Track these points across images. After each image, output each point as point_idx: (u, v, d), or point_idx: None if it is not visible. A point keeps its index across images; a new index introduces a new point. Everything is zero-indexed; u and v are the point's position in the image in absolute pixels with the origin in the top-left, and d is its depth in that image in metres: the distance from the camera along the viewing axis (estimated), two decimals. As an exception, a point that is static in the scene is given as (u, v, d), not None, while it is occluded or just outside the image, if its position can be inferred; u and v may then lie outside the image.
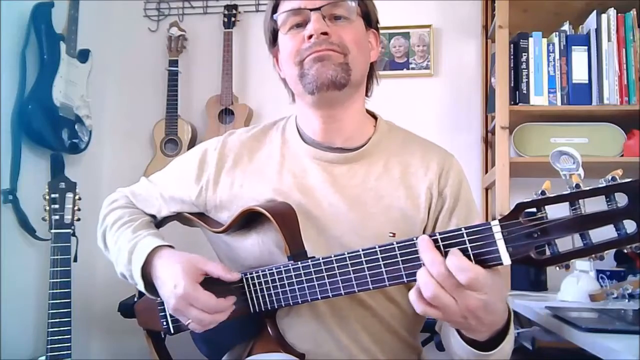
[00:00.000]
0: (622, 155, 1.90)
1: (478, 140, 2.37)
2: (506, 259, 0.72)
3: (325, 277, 0.89)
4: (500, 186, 1.87)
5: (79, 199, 1.84)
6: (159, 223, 1.18)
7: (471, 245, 0.73)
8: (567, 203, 0.69)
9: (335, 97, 1.01)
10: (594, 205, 0.68)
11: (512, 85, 1.97)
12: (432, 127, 2.36)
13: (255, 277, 0.97)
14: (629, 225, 0.66)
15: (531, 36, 1.98)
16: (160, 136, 2.43)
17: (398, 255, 0.80)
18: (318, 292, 0.90)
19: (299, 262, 0.92)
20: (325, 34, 0.98)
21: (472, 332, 0.81)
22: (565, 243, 0.71)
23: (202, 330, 0.95)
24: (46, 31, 2.03)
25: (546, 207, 0.70)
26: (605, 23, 1.93)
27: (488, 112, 2.28)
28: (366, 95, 1.13)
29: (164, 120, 2.43)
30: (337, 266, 0.87)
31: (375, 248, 0.83)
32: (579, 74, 1.95)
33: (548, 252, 0.71)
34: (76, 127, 2.15)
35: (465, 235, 0.74)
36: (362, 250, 0.84)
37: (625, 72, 1.91)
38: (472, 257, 0.73)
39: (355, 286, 0.86)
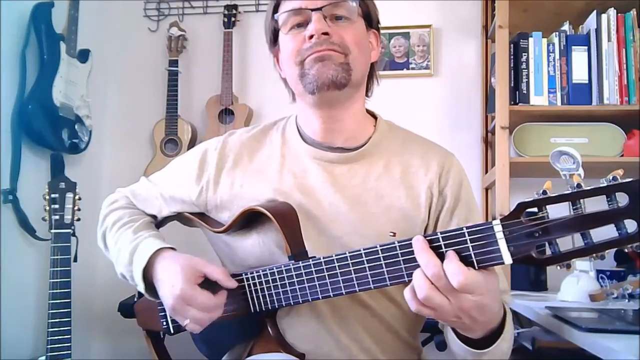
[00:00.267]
0: (622, 155, 1.90)
1: (478, 140, 2.37)
2: (507, 259, 0.72)
3: (326, 276, 0.89)
4: (500, 186, 1.87)
5: (79, 199, 1.84)
6: (159, 223, 1.18)
7: (472, 244, 0.73)
8: (568, 203, 0.69)
9: (335, 97, 1.01)
10: (594, 205, 0.68)
11: (512, 85, 1.97)
12: (432, 127, 2.36)
13: (255, 277, 0.97)
14: (630, 225, 0.66)
15: (531, 36, 1.98)
16: (160, 136, 2.43)
17: (399, 255, 0.80)
18: (319, 292, 0.90)
19: (300, 262, 0.92)
20: (326, 34, 0.98)
21: (466, 331, 0.82)
22: (566, 242, 0.71)
23: (200, 330, 0.95)
24: (46, 31, 2.04)
25: (547, 206, 0.70)
26: (605, 23, 1.93)
27: (488, 112, 2.28)
28: (366, 95, 1.13)
29: (164, 120, 2.43)
30: (338, 266, 0.87)
31: (376, 247, 0.83)
32: (579, 74, 1.95)
33: (549, 252, 0.71)
34: (76, 127, 2.15)
35: (466, 234, 0.74)
36: (364, 249, 0.84)
37: (625, 72, 1.91)
38: (473, 256, 0.74)
39: (356, 286, 0.86)
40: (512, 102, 1.96)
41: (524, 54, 1.97)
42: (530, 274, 1.87)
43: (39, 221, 1.87)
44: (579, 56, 1.96)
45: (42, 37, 2.03)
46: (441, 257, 0.74)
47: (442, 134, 2.27)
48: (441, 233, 0.76)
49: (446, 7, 2.45)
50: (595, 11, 1.96)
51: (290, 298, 0.94)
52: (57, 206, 1.80)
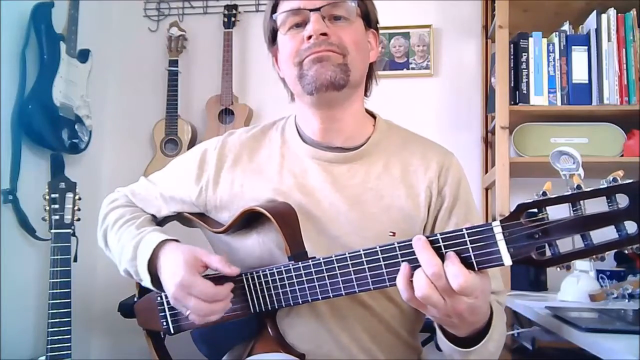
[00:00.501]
0: (622, 155, 1.90)
1: (478, 140, 2.37)
2: (507, 260, 0.72)
3: (326, 277, 0.89)
4: (500, 186, 1.87)
5: (79, 199, 1.84)
6: (158, 223, 1.18)
7: (472, 245, 0.73)
8: (568, 204, 0.69)
9: (334, 97, 1.01)
10: (594, 206, 0.68)
11: (512, 85, 1.97)
12: (432, 127, 2.36)
13: (255, 277, 0.97)
14: (630, 226, 0.66)
15: (531, 36, 1.98)
16: (160, 136, 2.44)
17: (399, 256, 0.80)
18: (318, 292, 0.90)
19: (300, 262, 0.92)
20: (324, 34, 0.98)
21: (452, 328, 0.83)
22: (566, 244, 0.71)
23: (202, 323, 0.94)
24: (46, 31, 2.04)
25: (547, 207, 0.70)
26: (605, 23, 1.93)
27: (488, 112, 2.28)
28: (365, 95, 1.13)
29: (164, 120, 2.43)
30: (338, 266, 0.87)
31: (376, 248, 0.83)
32: (579, 74, 1.95)
33: (549, 253, 0.71)
34: (76, 127, 2.15)
35: (466, 235, 0.74)
36: (363, 250, 0.84)
37: (625, 72, 1.91)
38: (472, 257, 0.74)
39: (356, 286, 0.86)
40: (512, 102, 1.96)
41: (524, 54, 1.97)
42: (530, 274, 1.88)
43: (39, 221, 1.87)
44: (579, 56, 1.96)
45: (42, 37, 2.03)
46: (441, 258, 0.74)
47: (442, 134, 2.27)
48: (441, 234, 0.75)
49: (446, 7, 2.45)
50: (595, 11, 1.96)
51: (290, 298, 0.94)
52: (57, 206, 1.80)
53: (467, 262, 0.74)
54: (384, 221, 1.01)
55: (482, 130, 2.37)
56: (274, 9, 1.05)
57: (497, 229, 0.72)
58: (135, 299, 1.21)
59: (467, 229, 0.74)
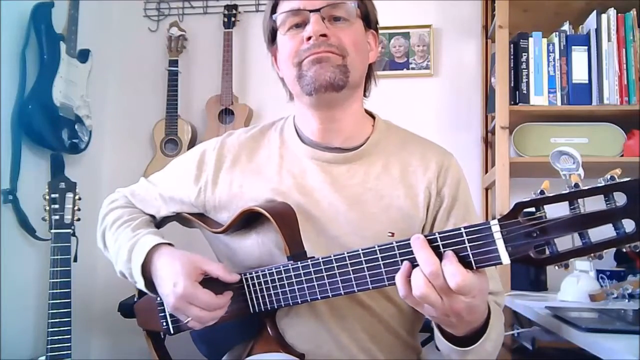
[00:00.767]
0: (622, 155, 1.90)
1: (478, 140, 2.37)
2: (505, 259, 0.72)
3: (325, 277, 0.89)
4: (500, 186, 1.87)
5: (79, 199, 1.84)
6: (158, 223, 1.18)
7: (470, 244, 0.73)
8: (566, 202, 0.69)
9: (333, 98, 1.01)
10: (593, 204, 0.68)
11: (512, 85, 1.97)
12: (432, 127, 2.36)
13: (255, 277, 0.97)
14: (628, 225, 0.66)
15: (531, 36, 1.98)
16: (160, 136, 2.44)
17: (397, 255, 0.80)
18: (318, 292, 0.90)
19: (299, 262, 0.92)
20: (324, 35, 0.98)
21: (449, 327, 0.83)
22: (565, 242, 0.71)
23: (201, 327, 0.95)
24: (46, 31, 2.04)
25: (545, 206, 0.70)
26: (605, 23, 1.93)
27: (488, 112, 2.28)
28: (364, 95, 1.13)
29: (164, 120, 2.43)
30: (337, 266, 0.87)
31: (374, 248, 0.83)
32: (579, 74, 1.95)
33: (547, 252, 0.71)
34: (76, 127, 2.15)
35: (464, 234, 0.74)
36: (362, 250, 0.84)
37: (625, 72, 1.91)
38: (471, 256, 0.73)
39: (354, 286, 0.86)
40: (512, 102, 1.96)
41: (524, 54, 1.97)
42: (530, 274, 1.88)
43: (39, 221, 1.87)
44: (579, 56, 1.95)
45: (42, 37, 2.03)
46: (439, 257, 0.74)
47: (442, 134, 2.27)
48: (439, 233, 0.75)
49: (446, 7, 2.45)
50: (595, 11, 1.96)
51: (290, 298, 0.94)
52: (57, 206, 1.80)
53: (465, 261, 0.74)
54: (383, 221, 1.01)
55: (482, 130, 2.37)
56: (273, 9, 1.05)
57: (495, 228, 0.72)
58: (135, 299, 1.21)
59: (465, 228, 0.74)
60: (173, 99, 2.43)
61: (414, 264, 0.76)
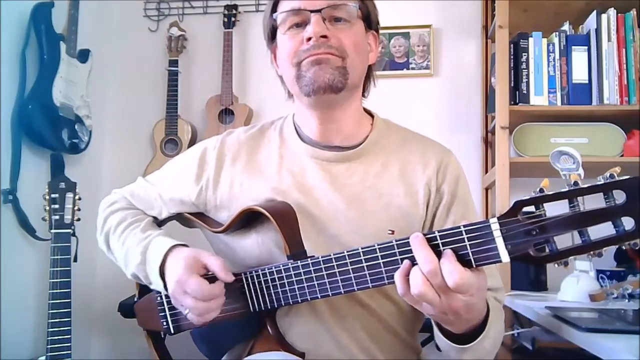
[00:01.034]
0: (622, 155, 1.90)
1: (478, 140, 2.37)
2: (505, 257, 0.72)
3: (325, 276, 0.89)
4: (500, 186, 1.87)
5: (79, 199, 1.84)
6: (159, 223, 1.18)
7: (470, 243, 0.73)
8: (566, 201, 0.69)
9: (332, 99, 1.01)
10: (592, 202, 0.68)
11: (512, 85, 1.97)
12: (432, 127, 2.36)
13: (255, 277, 0.97)
14: (627, 222, 0.66)
15: (531, 36, 1.98)
16: (160, 136, 2.44)
17: (397, 254, 0.80)
18: (318, 291, 0.90)
19: (299, 262, 0.92)
20: (324, 37, 0.98)
21: (448, 324, 0.83)
22: (564, 240, 0.71)
23: (202, 322, 0.94)
24: (46, 31, 2.04)
25: (545, 204, 0.70)
26: (605, 23, 1.93)
27: (488, 112, 2.28)
28: (362, 96, 1.13)
29: (164, 120, 2.44)
30: (337, 265, 0.87)
31: (374, 246, 0.83)
32: (579, 74, 1.95)
33: (547, 250, 0.71)
34: (76, 127, 2.15)
35: (464, 232, 0.74)
36: (362, 248, 0.84)
37: (625, 72, 1.91)
38: (470, 254, 0.73)
39: (354, 285, 0.86)
40: (512, 102, 1.96)
41: (524, 54, 1.97)
42: (530, 274, 1.87)
43: (39, 221, 1.87)
44: (579, 56, 1.95)
45: (42, 37, 2.03)
46: (439, 255, 0.74)
47: (442, 134, 2.26)
48: (439, 231, 0.75)
49: (446, 7, 2.45)
50: (595, 11, 1.96)
51: (290, 297, 0.94)
52: (57, 206, 1.80)
53: (464, 259, 0.74)
54: (382, 219, 1.01)
55: (482, 130, 2.37)
56: (274, 8, 1.05)
57: (495, 226, 0.72)
58: (135, 299, 1.21)
59: (464, 226, 0.74)
60: (173, 99, 2.43)
61: (413, 262, 0.76)
